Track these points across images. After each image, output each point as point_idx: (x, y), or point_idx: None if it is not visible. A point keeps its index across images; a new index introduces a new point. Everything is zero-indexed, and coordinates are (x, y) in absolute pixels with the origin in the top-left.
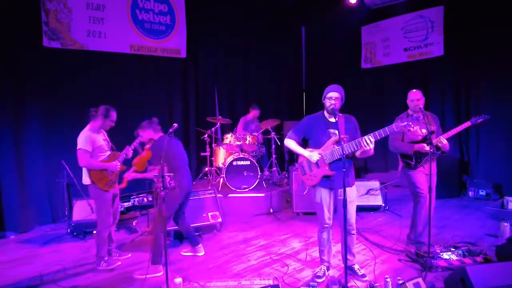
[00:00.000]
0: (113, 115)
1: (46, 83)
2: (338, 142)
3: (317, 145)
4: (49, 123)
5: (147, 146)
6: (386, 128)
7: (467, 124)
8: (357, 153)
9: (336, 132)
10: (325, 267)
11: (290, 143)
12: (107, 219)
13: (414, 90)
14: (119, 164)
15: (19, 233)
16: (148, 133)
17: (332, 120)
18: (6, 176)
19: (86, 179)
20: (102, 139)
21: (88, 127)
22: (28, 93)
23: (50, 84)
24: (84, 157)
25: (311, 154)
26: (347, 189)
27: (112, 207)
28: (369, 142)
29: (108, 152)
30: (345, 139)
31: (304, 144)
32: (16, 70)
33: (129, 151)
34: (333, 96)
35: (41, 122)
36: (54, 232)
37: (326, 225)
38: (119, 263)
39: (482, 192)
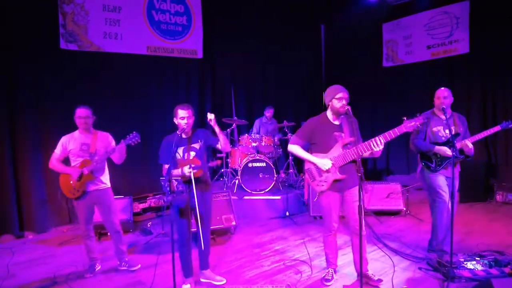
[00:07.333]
0: (77, 111)
1: (63, 85)
2: (345, 145)
3: (323, 150)
4: (67, 125)
5: None
6: (395, 129)
7: (496, 128)
8: (366, 154)
9: (342, 135)
10: (332, 270)
11: (296, 149)
12: (82, 227)
13: (442, 88)
14: (77, 173)
15: (37, 233)
16: None
17: (336, 122)
18: (24, 177)
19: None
20: (79, 143)
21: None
22: (45, 95)
23: (68, 86)
24: (51, 159)
25: (323, 162)
26: (353, 189)
27: (91, 216)
28: (378, 143)
29: (80, 159)
30: (352, 142)
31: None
32: (33, 73)
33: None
34: (344, 97)
35: (59, 124)
36: (71, 233)
37: (333, 230)
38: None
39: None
